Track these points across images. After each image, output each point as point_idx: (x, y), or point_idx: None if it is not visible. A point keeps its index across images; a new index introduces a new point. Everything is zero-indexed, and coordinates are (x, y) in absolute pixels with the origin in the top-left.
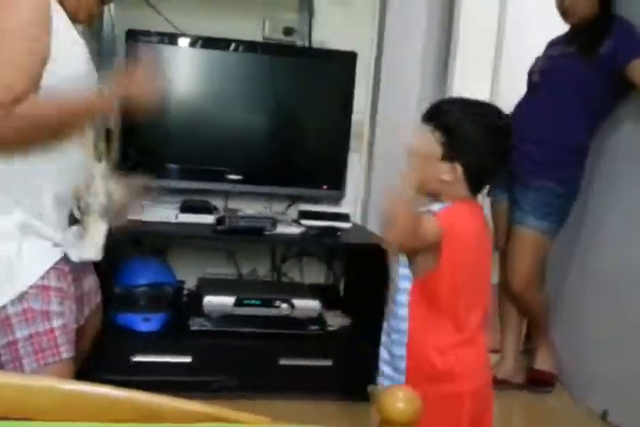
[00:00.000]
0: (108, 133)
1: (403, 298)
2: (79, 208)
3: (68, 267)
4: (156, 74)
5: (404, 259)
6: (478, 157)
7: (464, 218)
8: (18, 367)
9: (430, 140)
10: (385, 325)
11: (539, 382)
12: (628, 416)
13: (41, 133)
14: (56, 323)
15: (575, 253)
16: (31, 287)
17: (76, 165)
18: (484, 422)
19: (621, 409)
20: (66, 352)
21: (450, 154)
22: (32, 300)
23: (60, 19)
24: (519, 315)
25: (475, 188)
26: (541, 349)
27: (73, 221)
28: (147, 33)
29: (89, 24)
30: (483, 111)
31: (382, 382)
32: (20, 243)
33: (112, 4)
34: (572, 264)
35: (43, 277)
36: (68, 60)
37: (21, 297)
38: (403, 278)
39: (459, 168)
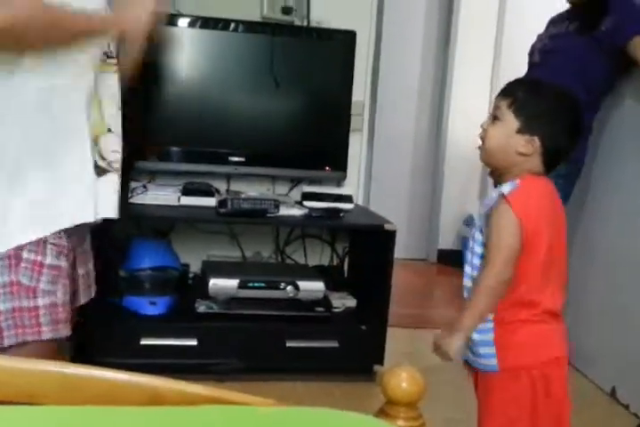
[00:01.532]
0: None
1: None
2: (102, 158)
3: (70, 244)
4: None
5: (479, 224)
6: (555, 131)
7: (537, 199)
8: None
9: (507, 115)
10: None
11: None
12: (636, 394)
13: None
14: (42, 301)
15: (578, 232)
16: (25, 261)
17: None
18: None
19: (630, 387)
20: (48, 333)
21: (527, 127)
22: (22, 273)
23: None
24: None
25: (550, 163)
26: None
27: (100, 171)
28: None
29: None
30: (556, 88)
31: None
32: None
33: None
34: (575, 243)
35: (37, 253)
36: None
37: (11, 268)
38: (479, 244)
39: (537, 141)
